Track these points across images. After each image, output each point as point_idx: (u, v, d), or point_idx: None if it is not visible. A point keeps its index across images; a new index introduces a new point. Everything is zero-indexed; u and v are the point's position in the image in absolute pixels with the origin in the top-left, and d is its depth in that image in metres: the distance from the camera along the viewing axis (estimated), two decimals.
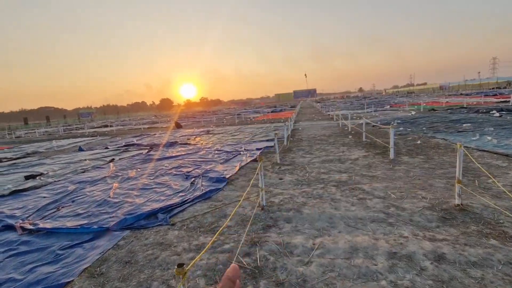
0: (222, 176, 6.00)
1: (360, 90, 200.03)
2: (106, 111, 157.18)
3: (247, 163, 7.35)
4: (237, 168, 6.77)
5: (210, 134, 16.02)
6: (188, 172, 6.72)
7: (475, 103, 22.57)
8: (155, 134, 18.27)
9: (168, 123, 30.60)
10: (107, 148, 13.19)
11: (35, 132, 35.62)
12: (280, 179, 5.67)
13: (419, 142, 8.35)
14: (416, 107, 23.26)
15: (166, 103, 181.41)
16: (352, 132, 11.59)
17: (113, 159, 9.66)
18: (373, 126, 12.54)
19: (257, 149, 9.31)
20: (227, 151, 9.31)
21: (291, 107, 51.69)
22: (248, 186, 4.85)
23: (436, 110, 18.57)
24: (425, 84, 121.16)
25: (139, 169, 7.66)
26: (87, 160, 10.00)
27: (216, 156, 8.69)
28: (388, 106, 26.96)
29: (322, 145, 9.13)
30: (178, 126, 22.99)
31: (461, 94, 43.21)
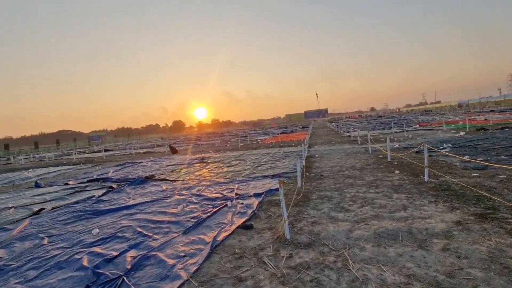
0: None
1: (372, 109, 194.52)
2: (119, 134, 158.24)
3: (232, 233, 4.02)
4: (206, 251, 3.45)
5: (203, 162, 12.88)
6: (110, 259, 3.44)
7: None
8: (141, 162, 15.29)
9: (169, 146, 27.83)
10: (67, 184, 10.22)
11: (30, 157, 33.65)
12: None
13: None
14: (454, 125, 19.49)
15: (178, 125, 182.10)
16: (395, 162, 8.12)
17: (42, 209, 6.56)
18: (417, 152, 9.00)
19: (255, 194, 5.97)
20: (209, 199, 6.04)
21: (303, 127, 48.51)
22: None
23: (488, 129, 14.82)
24: (439, 102, 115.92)
25: (46, 241, 4.46)
26: (13, 209, 6.96)
27: (188, 209, 5.42)
28: (417, 125, 23.23)
29: (359, 188, 5.71)
30: (173, 151, 20.08)
31: (492, 111, 38.86)
